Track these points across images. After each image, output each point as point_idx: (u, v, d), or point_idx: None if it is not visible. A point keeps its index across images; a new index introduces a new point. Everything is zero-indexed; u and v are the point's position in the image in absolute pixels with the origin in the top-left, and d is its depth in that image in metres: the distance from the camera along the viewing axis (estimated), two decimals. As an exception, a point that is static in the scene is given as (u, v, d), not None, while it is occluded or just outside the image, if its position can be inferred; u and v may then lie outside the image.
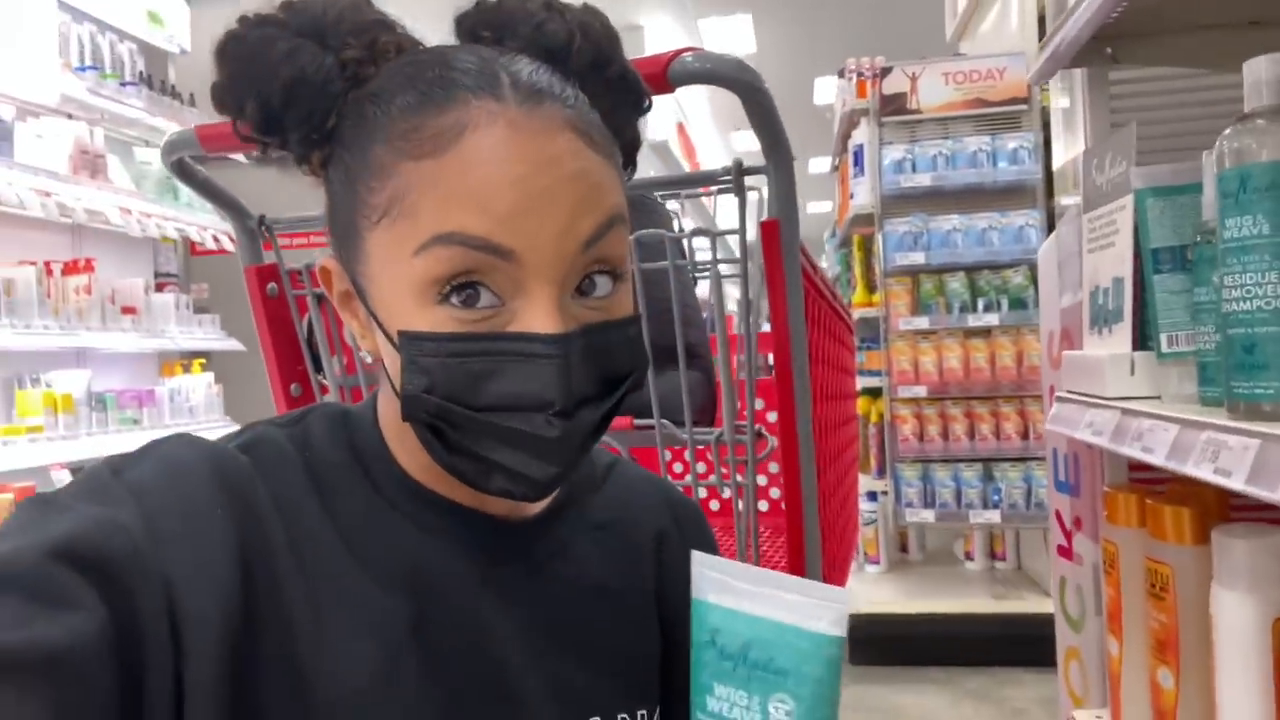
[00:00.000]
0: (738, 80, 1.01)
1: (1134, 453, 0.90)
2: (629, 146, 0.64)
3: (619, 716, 0.64)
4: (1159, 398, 0.99)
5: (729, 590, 0.57)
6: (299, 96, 0.55)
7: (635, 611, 0.68)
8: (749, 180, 1.16)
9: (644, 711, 0.66)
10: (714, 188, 1.29)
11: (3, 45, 2.87)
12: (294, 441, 0.60)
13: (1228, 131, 0.76)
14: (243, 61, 0.55)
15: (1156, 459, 0.84)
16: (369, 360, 0.62)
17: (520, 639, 0.60)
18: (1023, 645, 3.25)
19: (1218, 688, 0.83)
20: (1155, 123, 1.28)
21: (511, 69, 0.55)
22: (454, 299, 0.53)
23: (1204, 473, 0.74)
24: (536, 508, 0.65)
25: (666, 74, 1.00)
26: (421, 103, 0.54)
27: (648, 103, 0.65)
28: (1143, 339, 1.04)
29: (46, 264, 3.04)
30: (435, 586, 0.58)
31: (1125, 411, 0.96)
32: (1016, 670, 3.28)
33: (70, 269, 3.13)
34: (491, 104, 0.53)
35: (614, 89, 0.61)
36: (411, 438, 0.58)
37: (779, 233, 1.14)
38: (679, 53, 1.00)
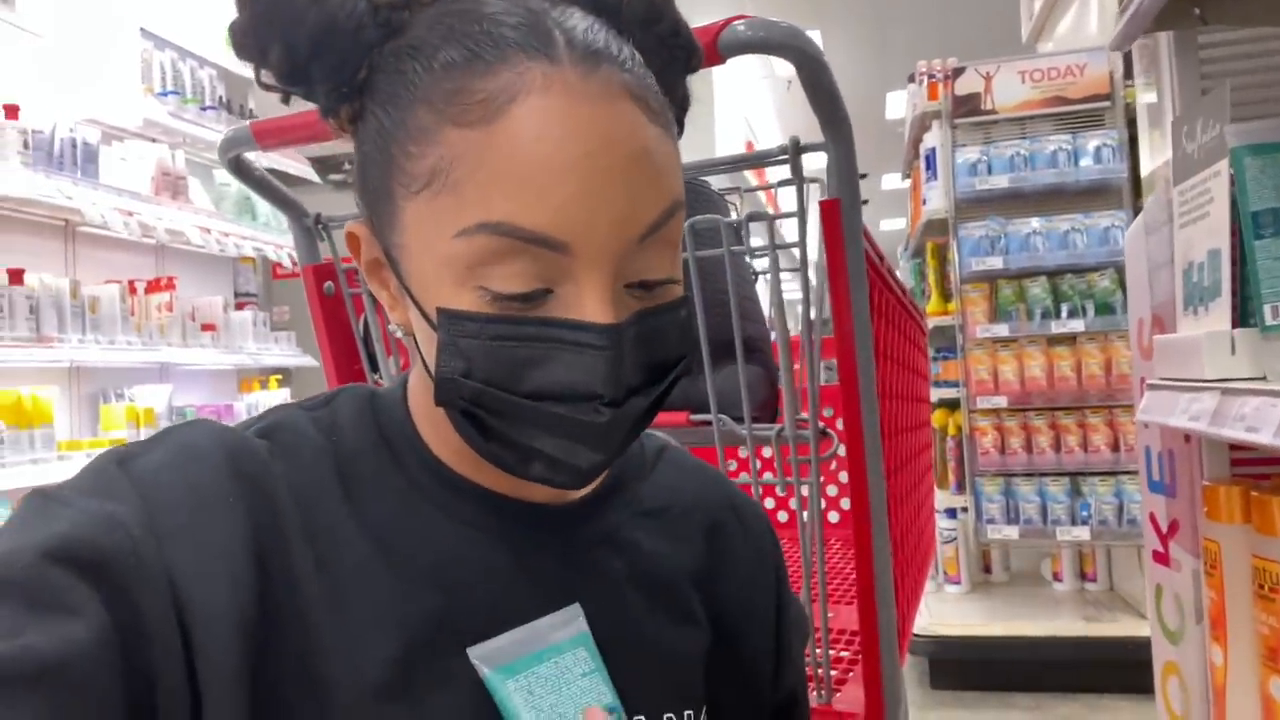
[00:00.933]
0: (791, 47, 0.96)
1: (1237, 434, 0.81)
2: (679, 107, 0.60)
3: (665, 717, 0.59)
4: (1264, 377, 0.90)
5: None
6: (328, 45, 0.51)
7: (682, 605, 0.63)
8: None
9: (690, 712, 0.60)
10: (777, 180, 1.24)
11: (89, 72, 2.99)
12: (319, 425, 0.57)
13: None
14: (271, 7, 0.51)
15: (1263, 438, 0.75)
16: (399, 335, 0.59)
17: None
18: (1116, 671, 3.06)
19: (1343, 695, 0.74)
20: (1248, 87, 1.18)
21: (565, 25, 0.50)
22: (507, 296, 0.49)
23: (1321, 447, 0.66)
24: (580, 492, 0.60)
25: (717, 44, 0.95)
26: (468, 60, 0.49)
27: (696, 61, 0.60)
28: (1243, 315, 0.95)
29: (130, 282, 3.14)
30: (466, 579, 0.55)
31: (1226, 392, 0.88)
32: (1110, 697, 3.09)
33: (153, 287, 3.23)
34: (545, 65, 0.48)
35: (666, 45, 0.56)
36: (444, 420, 0.55)
37: (840, 213, 1.08)
38: (729, 21, 0.96)
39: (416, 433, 0.58)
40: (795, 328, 1.42)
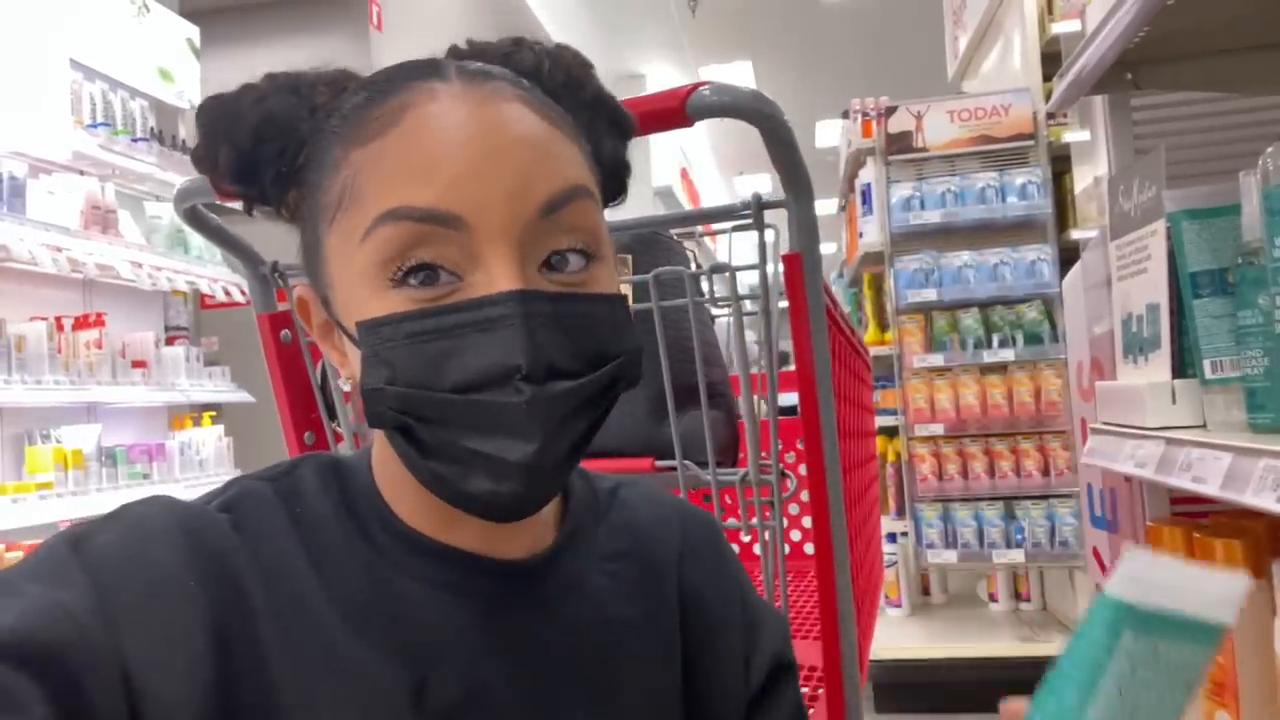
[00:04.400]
0: (756, 112, 1.00)
1: (1184, 484, 0.86)
2: (613, 168, 0.62)
3: None
4: (1204, 426, 0.95)
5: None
6: (267, 136, 0.55)
7: (658, 643, 0.64)
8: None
9: None
10: (729, 225, 1.27)
11: (16, 103, 2.90)
12: (281, 495, 0.56)
13: (1270, 149, 0.74)
14: (216, 114, 0.56)
15: (1210, 489, 0.80)
16: (345, 388, 0.59)
17: (535, 694, 0.56)
18: (1053, 689, 3.16)
19: (1289, 731, 0.79)
20: (1179, 148, 1.27)
21: (460, 62, 0.55)
22: (410, 280, 0.50)
23: (1266, 502, 0.70)
24: (544, 542, 0.60)
25: (685, 108, 0.99)
26: (368, 100, 0.53)
27: (625, 126, 0.63)
28: (1182, 366, 1.01)
29: (57, 319, 3.04)
30: (439, 647, 0.54)
31: (1170, 441, 0.93)
32: (1047, 715, 3.18)
33: (81, 324, 3.12)
34: (436, 83, 0.52)
35: (590, 108, 0.60)
36: (409, 481, 0.54)
37: (802, 266, 1.12)
38: (696, 87, 0.99)
39: (382, 499, 0.57)
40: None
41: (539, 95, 0.55)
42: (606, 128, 0.61)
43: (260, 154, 0.55)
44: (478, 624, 0.55)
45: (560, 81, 0.58)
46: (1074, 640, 0.45)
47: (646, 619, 0.63)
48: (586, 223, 0.53)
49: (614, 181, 0.63)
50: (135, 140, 3.32)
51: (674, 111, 0.99)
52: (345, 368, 0.57)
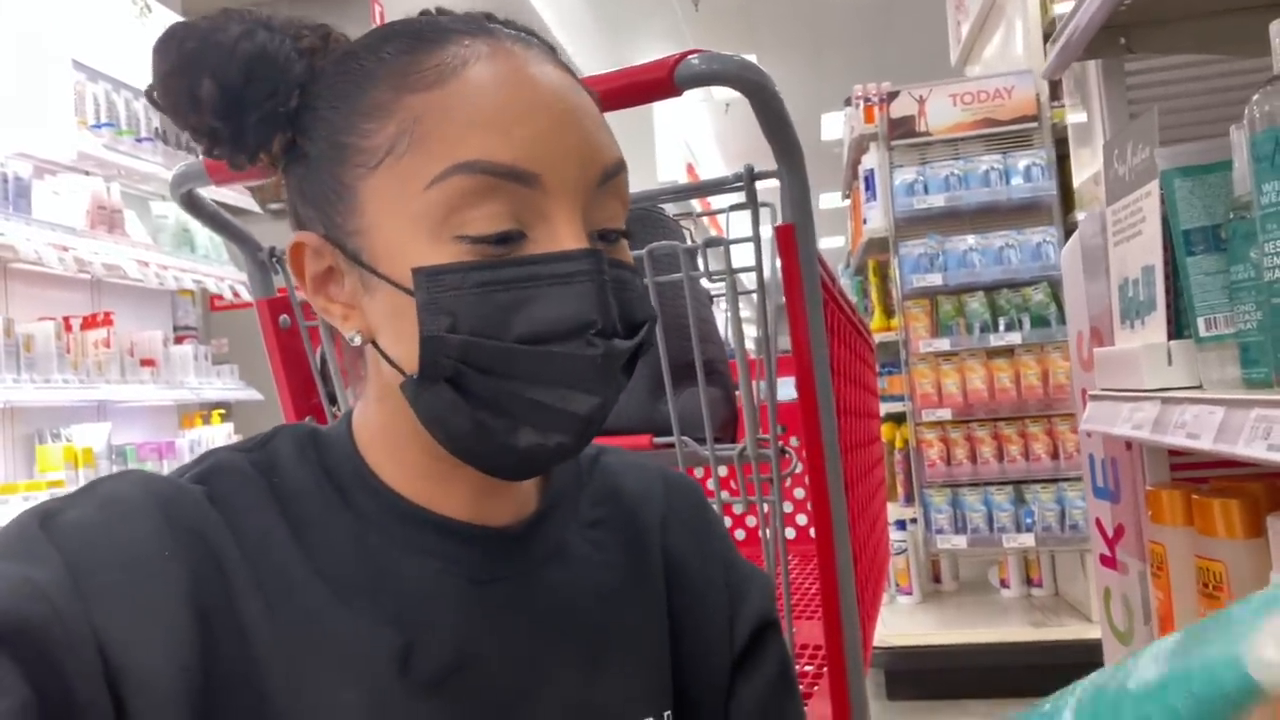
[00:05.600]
0: (745, 80, 0.99)
1: (1178, 441, 0.85)
2: None
3: None
4: (1200, 386, 0.95)
5: None
6: (260, 73, 0.53)
7: (644, 608, 0.63)
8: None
9: (669, 712, 0.61)
10: (726, 205, 1.27)
11: (20, 104, 2.92)
12: (258, 467, 0.55)
13: (1257, 95, 0.73)
14: (196, 41, 0.53)
15: (1203, 444, 0.80)
16: (356, 342, 0.57)
17: (523, 659, 0.55)
18: (1066, 673, 3.12)
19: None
20: (1172, 111, 1.26)
21: (498, 24, 0.56)
22: (487, 239, 0.50)
23: (1257, 451, 0.70)
24: (528, 509, 0.60)
25: (673, 77, 0.98)
26: (414, 44, 0.53)
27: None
28: (1178, 328, 1.00)
29: (65, 319, 3.06)
30: (425, 615, 0.53)
31: (1166, 401, 0.92)
32: (1060, 699, 3.16)
33: (89, 323, 3.14)
34: (488, 39, 0.53)
35: None
36: (400, 446, 0.54)
37: (795, 238, 1.11)
38: (684, 55, 0.99)
39: (366, 465, 0.57)
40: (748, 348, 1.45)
41: (573, 72, 0.56)
42: None
43: (249, 92, 0.53)
44: (464, 591, 0.55)
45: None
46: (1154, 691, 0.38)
47: (632, 585, 0.63)
48: (625, 195, 0.55)
49: None
50: (140, 140, 3.34)
51: (662, 82, 0.99)
52: (349, 320, 0.55)
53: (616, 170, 0.54)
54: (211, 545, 0.50)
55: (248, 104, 0.54)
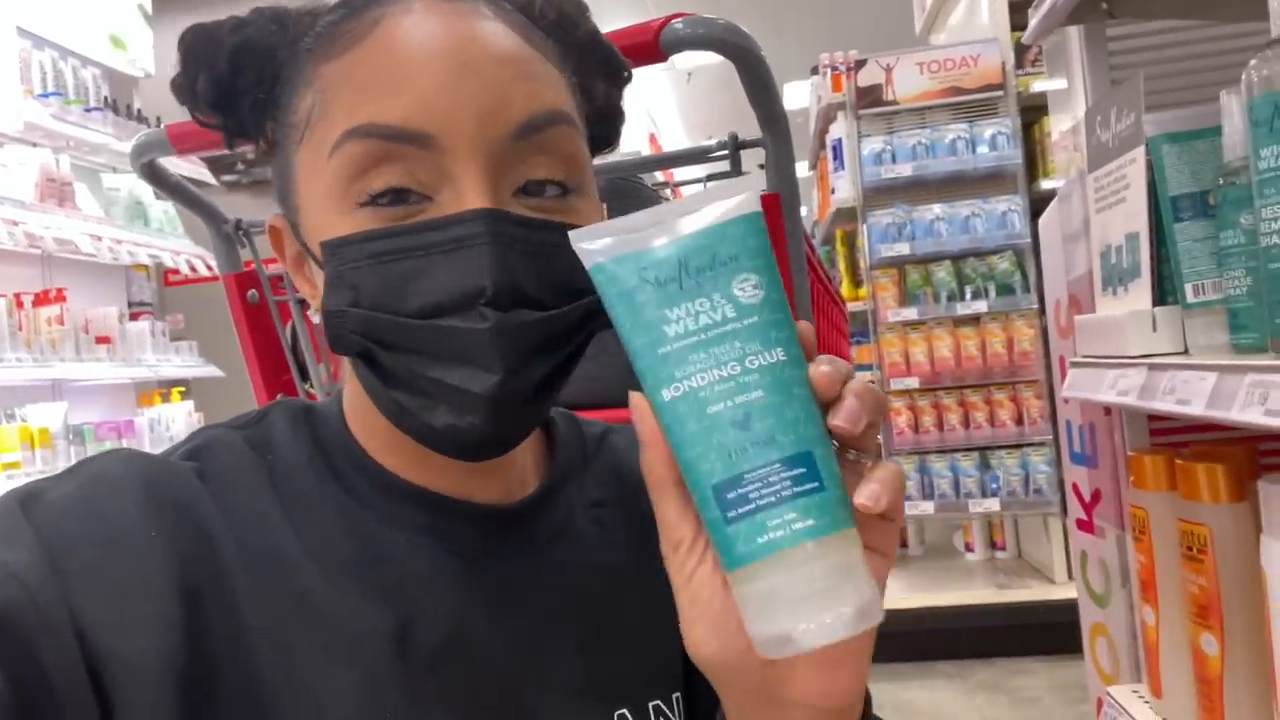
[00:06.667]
0: (731, 44, 0.97)
1: (1167, 406, 0.86)
2: (605, 112, 0.60)
3: (651, 705, 0.57)
4: (1185, 352, 0.95)
5: (634, 239, 0.44)
6: (244, 62, 0.54)
7: (652, 588, 0.61)
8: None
9: (678, 694, 0.59)
10: (703, 175, 1.25)
11: (-39, 73, 2.80)
12: (252, 444, 0.53)
13: (1254, 60, 0.73)
14: (196, 41, 0.54)
15: (1195, 409, 0.80)
16: (316, 320, 0.55)
17: (524, 639, 0.54)
18: (1030, 634, 3.22)
19: (1274, 644, 0.79)
20: (1156, 77, 1.26)
21: None
22: (379, 200, 0.48)
23: (1253, 416, 0.70)
24: (528, 486, 0.58)
25: (658, 41, 0.96)
26: (344, 15, 0.52)
27: (627, 73, 0.62)
28: (1161, 294, 1.01)
29: (17, 296, 2.96)
30: (421, 593, 0.52)
31: (1154, 367, 0.93)
32: (1026, 660, 3.24)
33: (41, 300, 3.05)
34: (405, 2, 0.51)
35: (583, 49, 0.57)
36: (383, 422, 0.52)
37: (781, 208, 1.10)
38: (670, 19, 0.97)
39: (355, 441, 0.55)
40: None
41: (521, 20, 0.53)
42: (599, 69, 0.59)
43: (238, 81, 0.54)
44: (461, 569, 0.53)
45: (552, 20, 0.56)
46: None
47: (636, 565, 0.61)
48: (566, 149, 0.51)
49: (604, 126, 0.61)
50: (89, 110, 3.23)
51: (648, 45, 0.96)
52: (315, 299, 0.53)
53: (541, 122, 0.49)
54: (200, 523, 0.48)
55: (239, 94, 0.54)
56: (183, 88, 0.55)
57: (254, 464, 0.52)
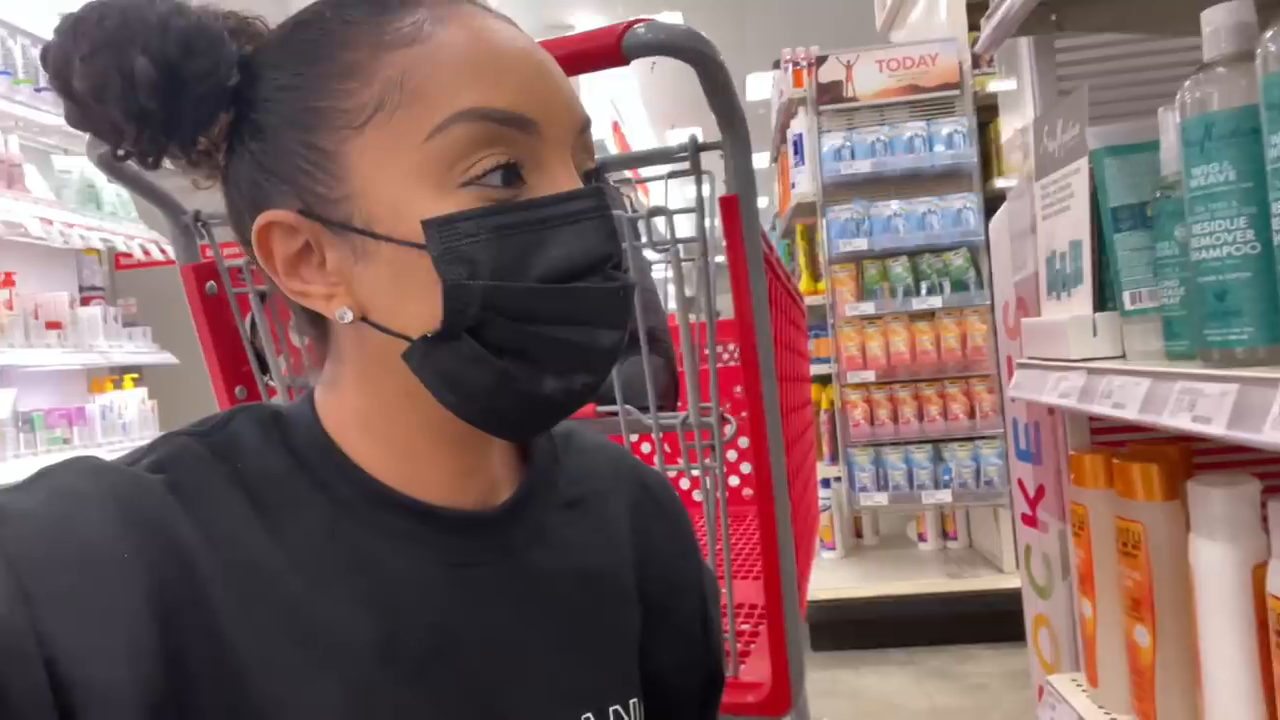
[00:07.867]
0: (692, 50, 0.99)
1: (1104, 410, 0.90)
2: None
3: (612, 709, 0.59)
4: (1123, 356, 0.99)
5: None
6: (200, 48, 0.51)
7: (618, 592, 0.64)
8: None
9: (635, 700, 0.61)
10: (667, 171, 1.27)
11: (-95, 50, 2.72)
12: (218, 452, 0.52)
13: (1188, 82, 0.76)
14: (117, 18, 0.49)
15: (1129, 414, 0.84)
16: (348, 319, 0.55)
17: (506, 644, 0.55)
18: (979, 622, 3.31)
19: (1201, 637, 0.83)
20: (1102, 88, 1.30)
21: None
22: (490, 179, 0.50)
23: (1181, 422, 0.74)
24: (504, 492, 0.59)
25: (620, 46, 0.97)
26: (379, 9, 0.52)
27: None
28: (1102, 300, 1.05)
29: (-38, 280, 2.89)
30: (405, 601, 0.52)
31: (1092, 371, 0.97)
32: (974, 647, 3.33)
33: (-11, 284, 2.98)
34: (450, 3, 0.53)
35: None
36: (379, 426, 0.53)
37: (739, 209, 1.12)
38: (631, 24, 0.98)
39: (336, 446, 0.55)
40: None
41: None
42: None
43: (190, 67, 0.51)
44: (445, 576, 0.54)
45: None
46: None
47: (606, 567, 0.63)
48: (593, 150, 0.57)
49: None
50: (39, 90, 3.15)
51: (609, 50, 0.98)
52: (334, 299, 0.52)
53: (589, 122, 0.56)
54: (175, 540, 0.47)
55: (188, 80, 0.51)
56: (105, 70, 0.49)
57: (226, 474, 0.51)
